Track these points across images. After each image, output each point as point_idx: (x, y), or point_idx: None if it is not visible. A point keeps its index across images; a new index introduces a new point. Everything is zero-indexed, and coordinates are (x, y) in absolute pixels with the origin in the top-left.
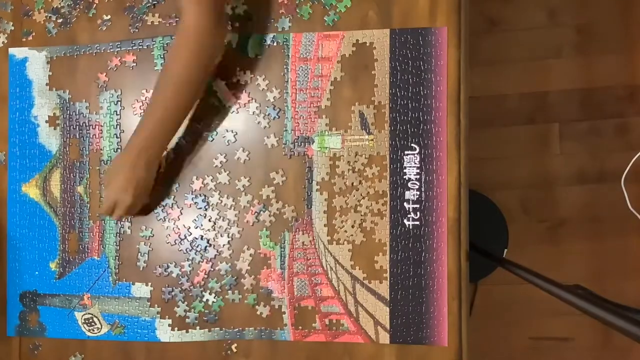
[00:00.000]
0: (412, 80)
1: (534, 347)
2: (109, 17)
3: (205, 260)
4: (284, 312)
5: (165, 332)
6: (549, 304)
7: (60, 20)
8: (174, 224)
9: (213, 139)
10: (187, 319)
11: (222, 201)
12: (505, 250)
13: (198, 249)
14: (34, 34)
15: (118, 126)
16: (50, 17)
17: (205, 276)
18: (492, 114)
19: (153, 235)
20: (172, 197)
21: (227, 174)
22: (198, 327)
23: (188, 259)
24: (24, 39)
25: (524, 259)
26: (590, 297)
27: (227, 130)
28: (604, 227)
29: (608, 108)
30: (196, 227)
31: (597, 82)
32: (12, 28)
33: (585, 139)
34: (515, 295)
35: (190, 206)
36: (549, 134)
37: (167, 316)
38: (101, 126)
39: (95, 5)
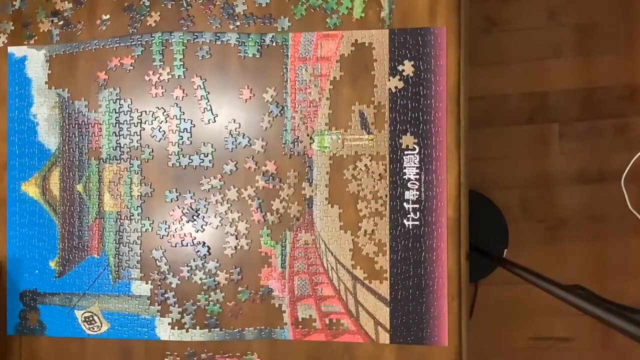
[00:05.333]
0: (412, 80)
1: (533, 347)
2: (108, 16)
3: (203, 261)
4: (284, 311)
5: (165, 331)
6: (548, 304)
7: (61, 22)
8: (178, 225)
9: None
10: (185, 324)
11: (223, 204)
12: (505, 250)
13: (199, 254)
14: (36, 37)
15: (117, 124)
16: (53, 20)
17: (204, 277)
18: (492, 113)
19: (167, 234)
20: (176, 198)
21: (228, 174)
22: (198, 327)
23: (187, 264)
24: (26, 42)
25: (524, 258)
26: (591, 298)
27: (229, 132)
28: (603, 227)
29: (608, 108)
30: (196, 231)
31: (597, 82)
32: (12, 28)
33: (585, 138)
34: (515, 295)
35: (191, 207)
36: (549, 133)
37: (167, 314)
38: (100, 124)
39: (96, 6)
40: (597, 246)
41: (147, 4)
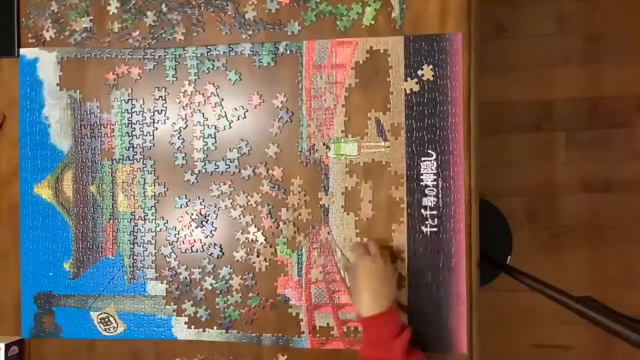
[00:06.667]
0: (428, 86)
1: (535, 354)
2: (138, 33)
3: (215, 266)
4: (302, 320)
5: (181, 330)
6: (550, 311)
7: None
8: (187, 231)
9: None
10: (200, 319)
11: (236, 209)
12: (509, 257)
13: (211, 256)
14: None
15: (129, 124)
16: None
17: (214, 281)
18: (498, 120)
19: (177, 240)
20: (185, 204)
21: (239, 180)
22: (215, 327)
23: (199, 266)
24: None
25: (527, 266)
26: (604, 310)
27: (241, 139)
28: (607, 236)
29: (615, 117)
30: (206, 236)
31: (604, 92)
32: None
33: (591, 147)
34: (517, 303)
35: (200, 213)
36: (555, 142)
37: (183, 314)
38: (112, 125)
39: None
40: (600, 255)
41: (175, 22)
